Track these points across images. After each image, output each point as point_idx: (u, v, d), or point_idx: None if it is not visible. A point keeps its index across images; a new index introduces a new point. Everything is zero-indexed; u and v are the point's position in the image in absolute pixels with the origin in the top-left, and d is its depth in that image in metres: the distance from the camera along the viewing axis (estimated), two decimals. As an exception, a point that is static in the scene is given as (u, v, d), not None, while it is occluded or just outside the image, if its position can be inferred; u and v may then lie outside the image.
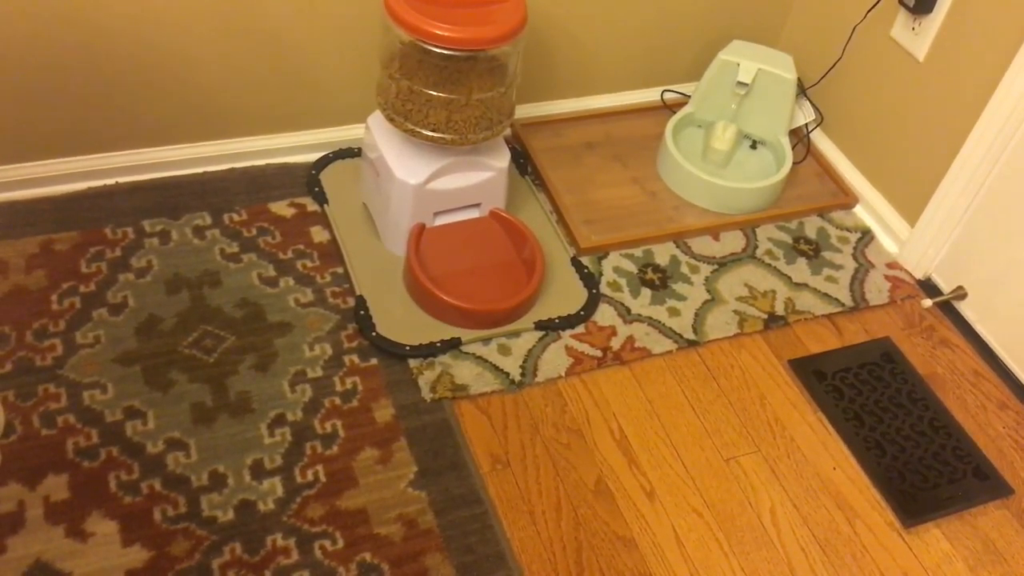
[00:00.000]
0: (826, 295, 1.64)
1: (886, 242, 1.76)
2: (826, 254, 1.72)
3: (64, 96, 1.50)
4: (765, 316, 1.59)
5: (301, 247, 1.57)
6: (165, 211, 1.59)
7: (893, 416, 1.47)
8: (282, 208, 1.63)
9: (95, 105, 1.53)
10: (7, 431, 1.25)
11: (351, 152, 1.75)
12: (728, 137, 1.79)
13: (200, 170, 1.67)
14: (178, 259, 1.52)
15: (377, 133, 1.53)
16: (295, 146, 1.72)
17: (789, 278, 1.66)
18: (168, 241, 1.54)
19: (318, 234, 1.60)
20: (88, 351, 1.37)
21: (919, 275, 1.71)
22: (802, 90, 1.90)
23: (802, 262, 1.69)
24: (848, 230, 1.77)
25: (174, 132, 1.62)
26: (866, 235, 1.77)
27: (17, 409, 1.29)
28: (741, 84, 1.78)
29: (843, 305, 1.63)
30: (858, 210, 1.82)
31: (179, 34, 1.49)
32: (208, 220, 1.59)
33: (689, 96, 1.89)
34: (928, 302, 1.65)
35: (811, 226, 1.77)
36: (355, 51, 1.63)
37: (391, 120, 1.47)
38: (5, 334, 1.37)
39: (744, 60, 1.77)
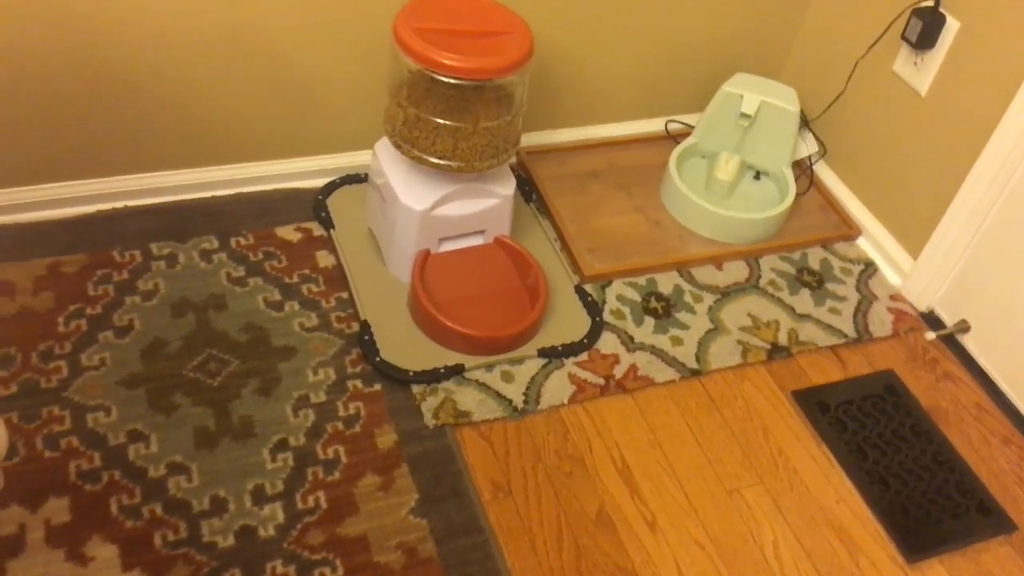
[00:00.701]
0: (829, 326, 1.64)
1: (889, 274, 1.76)
2: (829, 285, 1.72)
3: (75, 120, 1.52)
4: (768, 347, 1.59)
5: (307, 271, 1.58)
6: (173, 234, 1.60)
7: (896, 450, 1.47)
8: (289, 233, 1.65)
9: (105, 129, 1.55)
10: (10, 453, 1.25)
11: (358, 178, 1.76)
12: (732, 168, 1.80)
13: (208, 194, 1.68)
14: (185, 282, 1.52)
15: (384, 159, 1.55)
16: (303, 171, 1.73)
17: (792, 309, 1.66)
18: (175, 264, 1.55)
19: (324, 259, 1.61)
20: (93, 373, 1.37)
21: (922, 308, 1.71)
22: (805, 122, 1.92)
23: (805, 293, 1.70)
24: (851, 262, 1.78)
25: (183, 157, 1.64)
26: (869, 267, 1.77)
27: (21, 431, 1.29)
28: (745, 116, 1.79)
29: (846, 337, 1.63)
30: (861, 242, 1.82)
31: (189, 61, 1.51)
32: (215, 244, 1.60)
33: (693, 127, 1.90)
34: (931, 335, 1.66)
35: (814, 257, 1.78)
36: (363, 79, 1.65)
37: (398, 147, 1.48)
38: (11, 356, 1.38)
39: (748, 92, 1.79)
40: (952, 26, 1.57)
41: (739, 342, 1.59)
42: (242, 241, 1.61)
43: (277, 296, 1.53)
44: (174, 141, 1.61)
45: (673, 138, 1.96)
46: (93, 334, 1.43)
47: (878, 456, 1.45)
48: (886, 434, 1.49)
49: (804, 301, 1.68)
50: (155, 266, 1.54)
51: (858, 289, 1.73)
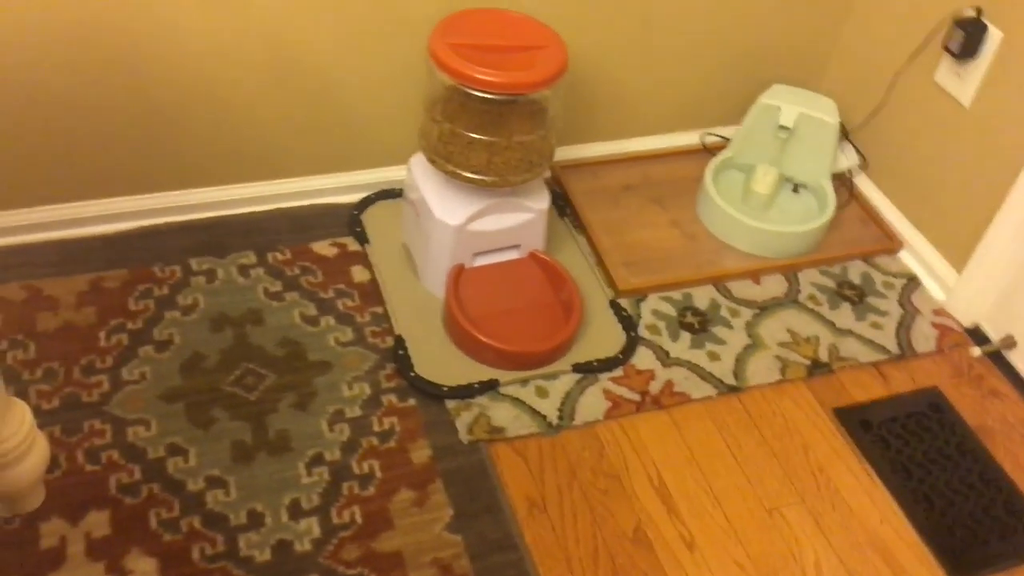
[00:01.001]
0: (871, 342, 1.61)
1: (932, 288, 1.73)
2: (871, 300, 1.69)
3: (116, 138, 1.55)
4: (808, 363, 1.56)
5: (342, 286, 1.59)
6: (212, 250, 1.62)
7: (942, 468, 1.43)
8: (324, 248, 1.66)
9: (145, 147, 1.57)
10: (52, 466, 1.27)
11: (393, 193, 1.77)
12: (769, 180, 1.78)
13: (247, 210, 1.70)
14: (223, 297, 1.54)
15: (418, 174, 1.55)
16: (338, 187, 1.74)
17: (833, 324, 1.64)
18: (214, 279, 1.57)
19: (359, 274, 1.62)
20: (134, 387, 1.39)
21: (967, 323, 1.67)
22: (845, 134, 1.89)
23: (846, 308, 1.67)
24: (893, 276, 1.75)
25: (222, 173, 1.66)
26: (912, 281, 1.74)
27: (63, 444, 1.31)
28: (783, 128, 1.77)
29: (889, 353, 1.60)
30: (903, 255, 1.79)
31: (228, 79, 1.54)
32: (253, 259, 1.61)
33: (729, 139, 1.89)
34: (977, 351, 1.62)
35: (855, 271, 1.75)
36: (398, 95, 1.66)
37: (432, 162, 1.49)
38: (54, 370, 1.40)
39: (786, 104, 1.77)
40: (995, 36, 1.54)
41: (778, 358, 1.56)
42: (279, 256, 1.63)
43: (313, 311, 1.54)
44: (214, 158, 1.63)
45: (709, 151, 1.94)
46: (134, 348, 1.45)
47: (923, 475, 1.42)
48: (931, 452, 1.45)
49: (845, 316, 1.65)
50: (194, 281, 1.56)
51: (900, 304, 1.69)
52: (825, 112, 1.76)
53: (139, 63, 1.47)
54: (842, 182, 1.89)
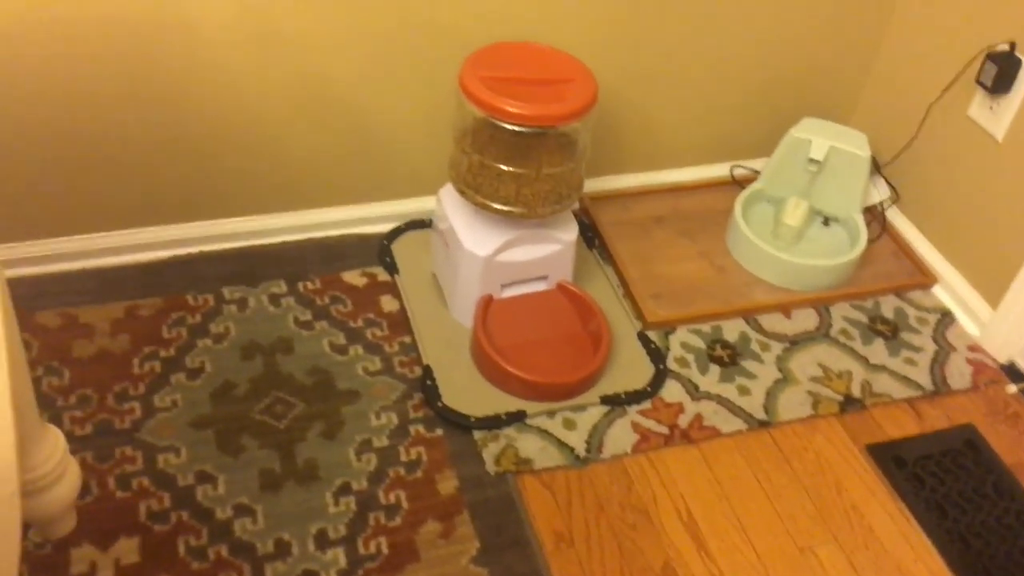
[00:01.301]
0: (905, 378, 1.59)
1: (967, 324, 1.70)
2: (904, 335, 1.67)
3: (153, 169, 1.58)
4: (841, 398, 1.54)
5: (371, 316, 1.60)
6: (244, 279, 1.64)
7: (978, 508, 1.40)
8: (354, 277, 1.67)
9: (182, 178, 1.60)
10: (83, 492, 1.28)
11: (422, 223, 1.78)
12: (800, 213, 1.77)
13: (279, 239, 1.72)
14: (254, 326, 1.56)
15: (448, 205, 1.56)
16: (369, 217, 1.76)
17: (866, 359, 1.62)
18: (245, 308, 1.59)
19: (388, 303, 1.63)
20: (165, 415, 1.41)
21: (1002, 359, 1.64)
22: (876, 168, 1.88)
23: (879, 343, 1.65)
24: (927, 311, 1.72)
25: (256, 203, 1.68)
26: (946, 316, 1.72)
27: (94, 470, 1.32)
28: (813, 161, 1.77)
29: (923, 389, 1.57)
30: (937, 290, 1.77)
31: (262, 112, 1.56)
32: (284, 288, 1.63)
33: (759, 172, 1.88)
34: (1013, 388, 1.59)
35: (888, 306, 1.73)
36: (428, 126, 1.68)
37: (462, 193, 1.50)
38: (88, 396, 1.42)
39: (816, 137, 1.76)
40: (1030, 69, 1.53)
41: (809, 393, 1.55)
42: (310, 285, 1.64)
43: (342, 340, 1.55)
44: (248, 189, 1.66)
45: (739, 183, 1.94)
46: (166, 376, 1.46)
47: (958, 514, 1.39)
48: (966, 491, 1.42)
49: (878, 351, 1.63)
50: (226, 310, 1.58)
51: (935, 339, 1.67)
52: (856, 145, 1.75)
53: (177, 96, 1.50)
54: (874, 215, 1.88)
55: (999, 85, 1.56)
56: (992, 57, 1.57)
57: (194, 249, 1.68)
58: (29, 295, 1.56)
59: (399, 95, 1.62)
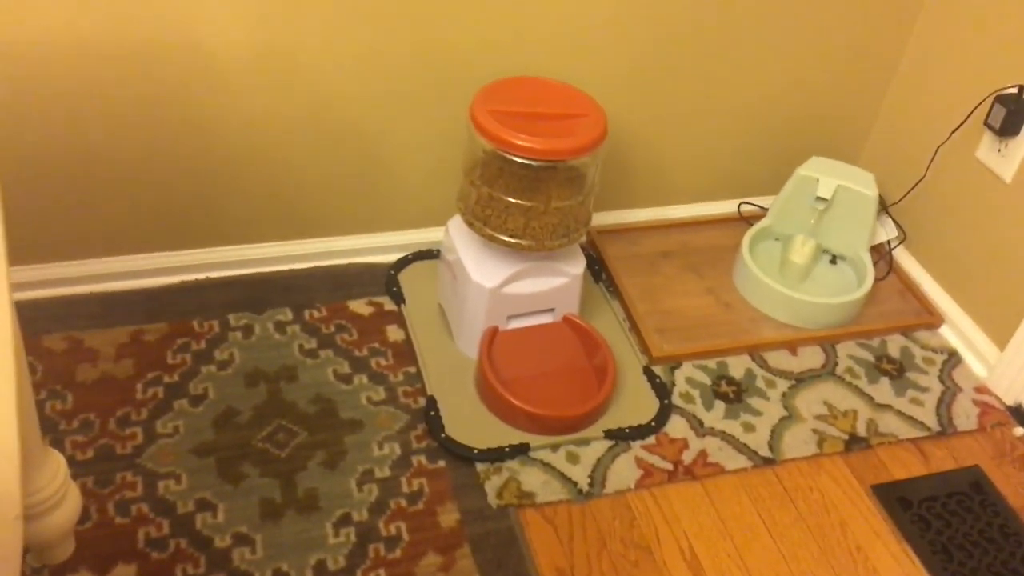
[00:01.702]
0: (911, 418, 1.58)
1: (974, 365, 1.69)
2: (910, 375, 1.66)
3: (161, 196, 1.59)
4: (846, 437, 1.53)
5: (376, 345, 1.60)
6: (250, 306, 1.64)
7: (984, 551, 1.39)
8: (360, 306, 1.67)
9: (190, 205, 1.61)
10: (82, 517, 1.27)
11: (430, 254, 1.79)
12: (807, 251, 1.77)
13: (286, 267, 1.73)
14: (259, 353, 1.56)
15: (456, 236, 1.57)
16: (377, 247, 1.77)
17: (871, 398, 1.61)
18: (251, 335, 1.59)
19: (393, 333, 1.63)
20: (167, 441, 1.40)
21: (1009, 401, 1.63)
22: (884, 207, 1.88)
23: (885, 382, 1.64)
24: (933, 351, 1.72)
25: (263, 231, 1.69)
26: (952, 357, 1.71)
27: (94, 496, 1.32)
28: (821, 199, 1.77)
29: (929, 430, 1.56)
30: (944, 330, 1.76)
31: (272, 140, 1.58)
32: (290, 316, 1.63)
33: (766, 209, 1.89)
34: (1020, 431, 1.58)
35: (894, 345, 1.72)
36: (438, 158, 1.69)
37: (470, 224, 1.51)
38: (90, 421, 1.42)
39: (824, 176, 1.77)
40: (1037, 112, 1.54)
41: (815, 431, 1.54)
42: (315, 314, 1.64)
43: (347, 369, 1.55)
44: (255, 216, 1.67)
45: (746, 220, 1.94)
46: (169, 402, 1.46)
47: (964, 558, 1.37)
48: (972, 534, 1.41)
49: (884, 390, 1.62)
50: (232, 336, 1.58)
51: (941, 380, 1.66)
52: (864, 185, 1.76)
53: (187, 123, 1.52)
54: (881, 255, 1.88)
55: (1007, 127, 1.57)
56: (1000, 100, 1.58)
57: (201, 275, 1.69)
58: (36, 318, 1.56)
59: (409, 126, 1.64)
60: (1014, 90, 1.57)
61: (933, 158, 1.76)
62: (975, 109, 1.65)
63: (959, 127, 1.69)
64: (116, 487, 1.33)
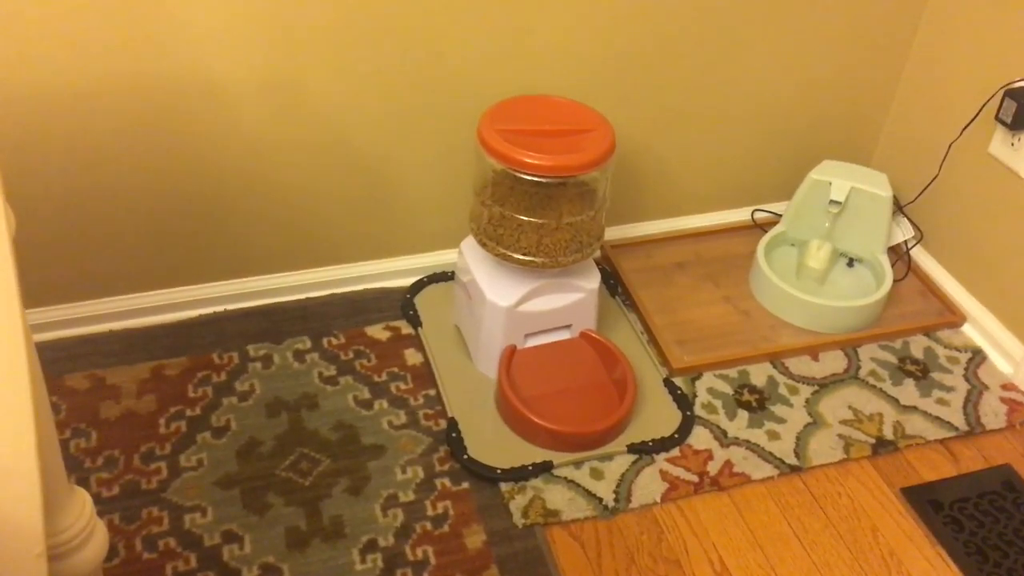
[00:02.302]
0: (938, 419, 1.56)
1: (999, 362, 1.67)
2: (935, 375, 1.64)
3: (176, 231, 1.60)
4: (873, 441, 1.51)
5: (395, 369, 1.60)
6: (269, 336, 1.65)
7: (1020, 551, 1.36)
8: (378, 331, 1.68)
9: (204, 238, 1.63)
10: (110, 555, 1.28)
11: (444, 276, 1.79)
12: (823, 255, 1.76)
13: (303, 296, 1.74)
14: (279, 382, 1.56)
15: (470, 257, 1.57)
16: (392, 271, 1.77)
17: (896, 400, 1.59)
18: (270, 365, 1.59)
19: (412, 356, 1.63)
20: (191, 474, 1.41)
21: (1039, 397, 1.61)
22: (899, 207, 1.87)
23: (909, 383, 1.62)
24: (957, 350, 1.70)
25: (280, 261, 1.70)
26: (977, 355, 1.69)
27: (121, 532, 1.32)
28: (834, 203, 1.76)
29: (957, 429, 1.54)
30: (966, 329, 1.74)
31: (281, 170, 1.59)
32: (308, 344, 1.64)
33: (780, 215, 1.88)
34: (1051, 426, 1.55)
35: (917, 346, 1.70)
36: (448, 180, 1.70)
37: (483, 244, 1.51)
38: (114, 457, 1.43)
39: (836, 179, 1.76)
40: (1049, 104, 1.52)
41: (841, 436, 1.52)
42: (333, 341, 1.65)
43: (367, 394, 1.55)
44: (270, 247, 1.68)
45: (760, 227, 1.93)
46: (192, 435, 1.47)
47: (999, 558, 1.35)
48: (1007, 534, 1.38)
49: (909, 392, 1.60)
50: (251, 367, 1.59)
51: (966, 378, 1.64)
52: (877, 186, 1.75)
53: (201, 156, 1.53)
54: (898, 255, 1.86)
55: (1019, 121, 1.56)
56: (1010, 94, 1.56)
57: (219, 308, 1.70)
58: (58, 358, 1.58)
59: (418, 149, 1.65)
60: (1023, 83, 1.56)
61: (946, 156, 1.75)
62: (985, 104, 1.64)
63: (970, 123, 1.68)
64: (143, 523, 1.34)
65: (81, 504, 1.15)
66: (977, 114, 1.66)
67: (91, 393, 1.53)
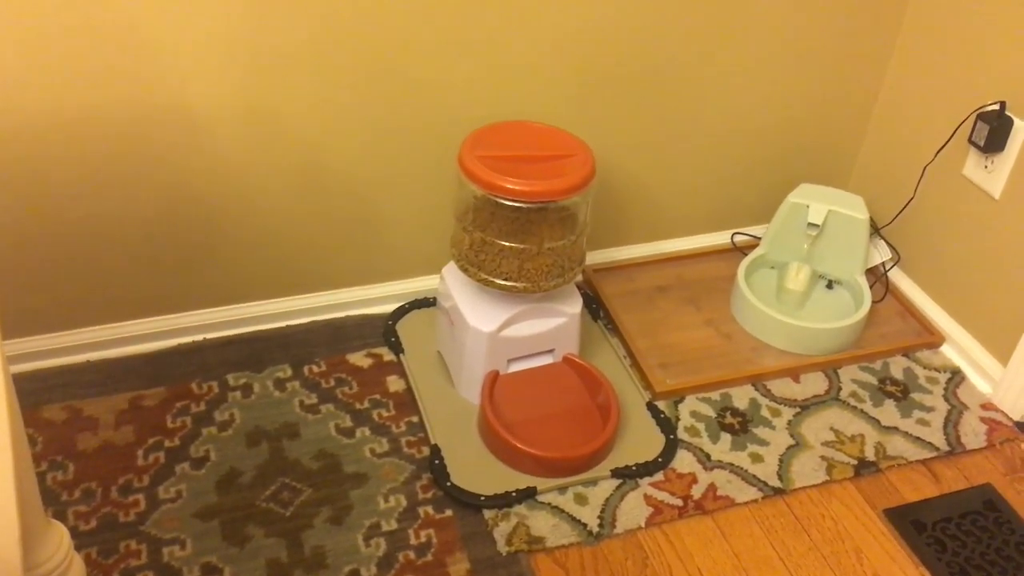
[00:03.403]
0: (919, 439, 1.56)
1: (978, 382, 1.68)
2: (915, 396, 1.65)
3: (154, 260, 1.59)
4: (855, 462, 1.52)
5: (377, 397, 1.59)
6: (249, 364, 1.63)
7: (1002, 571, 1.36)
8: (360, 358, 1.67)
9: (183, 267, 1.62)
10: (88, 588, 1.26)
11: (426, 302, 1.79)
12: (802, 278, 1.78)
13: (284, 324, 1.73)
14: (259, 412, 1.55)
15: (451, 283, 1.57)
16: (373, 298, 1.77)
17: (878, 421, 1.60)
18: (250, 394, 1.58)
19: (394, 383, 1.62)
20: (170, 506, 1.39)
21: (1016, 416, 1.62)
22: (876, 229, 1.89)
23: (890, 404, 1.63)
24: (936, 370, 1.71)
25: (260, 289, 1.69)
26: (956, 375, 1.70)
27: (99, 567, 1.30)
28: (812, 226, 1.78)
29: (938, 450, 1.55)
30: (945, 349, 1.76)
31: (261, 198, 1.59)
32: (289, 372, 1.63)
33: (759, 238, 1.90)
34: (1030, 445, 1.56)
35: (897, 366, 1.71)
36: (429, 206, 1.70)
37: (465, 270, 1.51)
38: (92, 490, 1.41)
39: (814, 202, 1.78)
40: (1021, 128, 1.55)
41: (823, 458, 1.52)
42: (315, 368, 1.64)
43: (348, 422, 1.54)
44: (250, 274, 1.67)
45: (740, 250, 1.95)
46: (171, 466, 1.45)
47: (984, 579, 1.35)
48: (989, 554, 1.39)
49: (889, 413, 1.61)
50: (231, 396, 1.57)
51: (946, 399, 1.65)
52: (854, 209, 1.77)
53: (179, 185, 1.53)
54: (877, 277, 1.88)
55: (992, 144, 1.58)
56: (982, 117, 1.59)
57: (199, 337, 1.68)
58: (34, 390, 1.55)
59: (399, 176, 1.65)
60: (995, 107, 1.58)
61: (921, 178, 1.78)
62: (959, 128, 1.66)
63: (944, 146, 1.70)
64: (120, 556, 1.32)
65: (58, 538, 1.13)
66: (951, 137, 1.68)
67: (68, 425, 1.51)
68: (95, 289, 1.59)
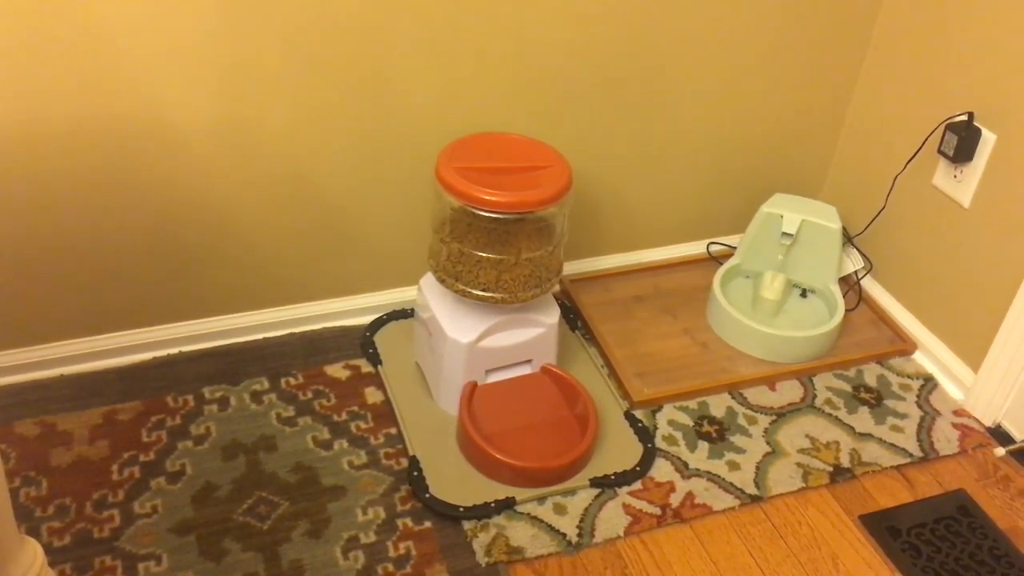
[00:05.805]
0: (893, 445, 1.58)
1: (950, 389, 1.71)
2: (889, 402, 1.67)
3: (130, 273, 1.58)
4: (830, 469, 1.53)
5: (355, 408, 1.59)
6: (226, 377, 1.62)
7: (976, 575, 1.38)
8: (337, 370, 1.66)
9: (160, 280, 1.61)
10: (62, 606, 1.24)
11: (404, 313, 1.79)
12: (777, 287, 1.79)
13: (260, 336, 1.72)
14: (236, 425, 1.54)
15: (429, 294, 1.57)
16: (351, 309, 1.76)
17: (852, 428, 1.61)
18: (227, 407, 1.57)
19: (372, 395, 1.62)
20: (145, 521, 1.37)
21: (988, 422, 1.64)
22: (848, 239, 1.92)
23: (864, 411, 1.65)
24: (909, 377, 1.73)
25: (236, 301, 1.68)
26: (929, 382, 1.72)
27: (73, 582, 1.29)
28: (786, 235, 1.80)
29: (911, 456, 1.57)
30: (918, 356, 1.78)
31: (237, 211, 1.58)
32: (266, 384, 1.62)
33: (735, 247, 1.91)
34: (1001, 451, 1.58)
35: (870, 374, 1.73)
36: (406, 218, 1.70)
37: (442, 281, 1.51)
38: (66, 506, 1.39)
39: (788, 212, 1.80)
40: (988, 138, 1.58)
41: (799, 465, 1.53)
42: (292, 381, 1.63)
43: (326, 434, 1.53)
44: (226, 287, 1.66)
45: (716, 259, 1.97)
46: (146, 481, 1.43)
47: (958, 583, 1.37)
48: (963, 559, 1.40)
49: (864, 420, 1.63)
50: (207, 410, 1.56)
51: (919, 405, 1.67)
52: (827, 218, 1.79)
53: (155, 198, 1.52)
54: (850, 286, 1.90)
55: (960, 154, 1.61)
56: (951, 127, 1.62)
57: (174, 350, 1.67)
58: (7, 405, 1.53)
59: (376, 188, 1.65)
60: (964, 117, 1.61)
61: (892, 188, 1.80)
62: (928, 138, 1.69)
63: (914, 156, 1.73)
64: (95, 572, 1.30)
65: (32, 555, 1.12)
66: (920, 148, 1.71)
67: (41, 440, 1.49)
68: (67, 302, 1.57)
